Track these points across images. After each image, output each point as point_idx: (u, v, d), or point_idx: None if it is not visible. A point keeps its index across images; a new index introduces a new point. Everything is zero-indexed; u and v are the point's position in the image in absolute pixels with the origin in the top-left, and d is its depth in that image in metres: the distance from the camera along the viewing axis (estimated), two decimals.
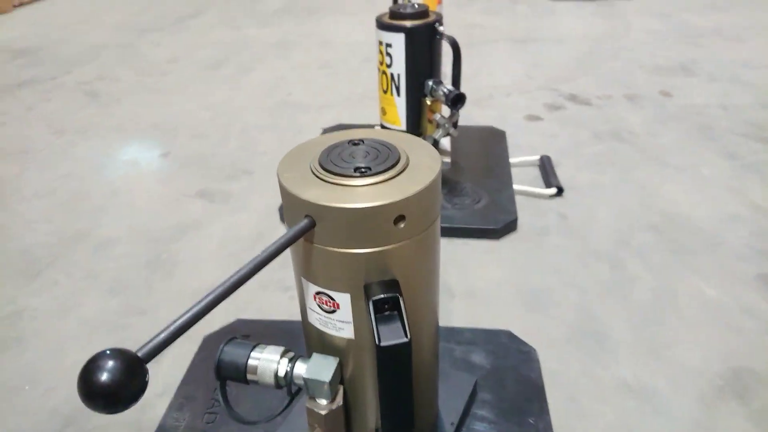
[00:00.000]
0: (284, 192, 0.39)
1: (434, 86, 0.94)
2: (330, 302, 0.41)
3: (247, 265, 0.34)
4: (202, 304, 0.31)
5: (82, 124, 1.37)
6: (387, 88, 1.00)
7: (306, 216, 0.37)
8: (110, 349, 0.27)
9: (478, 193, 0.96)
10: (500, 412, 0.58)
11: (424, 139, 0.99)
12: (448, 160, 1.04)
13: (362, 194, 0.37)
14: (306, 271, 0.41)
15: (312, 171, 0.40)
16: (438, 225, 0.43)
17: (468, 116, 1.29)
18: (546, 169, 1.04)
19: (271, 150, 1.20)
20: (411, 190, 0.37)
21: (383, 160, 0.40)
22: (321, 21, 2.15)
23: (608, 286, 0.78)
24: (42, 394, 0.65)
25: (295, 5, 2.38)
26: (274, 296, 0.79)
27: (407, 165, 0.40)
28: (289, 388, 0.43)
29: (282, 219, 0.94)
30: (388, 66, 0.97)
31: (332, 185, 0.38)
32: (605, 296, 0.76)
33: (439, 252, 0.45)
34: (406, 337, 0.36)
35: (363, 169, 0.38)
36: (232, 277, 0.32)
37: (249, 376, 0.43)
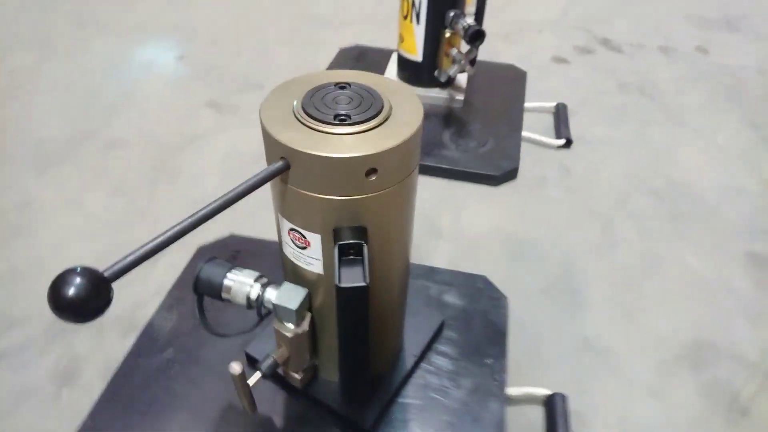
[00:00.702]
0: (263, 130, 0.40)
1: (455, 18, 0.91)
2: (302, 239, 0.43)
3: (218, 200, 0.35)
4: (168, 234, 0.33)
5: (105, 18, 1.36)
6: (407, 14, 0.97)
7: (281, 158, 0.38)
8: (79, 267, 0.30)
9: (485, 136, 0.95)
10: (461, 350, 0.61)
11: (439, 73, 0.97)
12: (461, 97, 1.02)
13: (336, 143, 0.38)
14: (281, 208, 0.43)
15: (293, 112, 0.40)
16: (414, 177, 0.44)
17: (493, 51, 1.24)
18: (559, 118, 1.02)
19: (284, 66, 1.18)
20: (385, 144, 0.38)
21: (365, 109, 0.40)
22: None
23: (595, 245, 0.79)
24: (47, 280, 0.71)
25: None
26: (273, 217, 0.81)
27: (388, 117, 0.41)
28: (258, 310, 0.46)
29: None
30: None
31: (309, 130, 0.39)
32: (589, 255, 0.77)
33: (413, 202, 0.47)
34: (365, 282, 0.39)
35: (342, 117, 0.39)
36: (199, 211, 0.34)
37: (223, 295, 0.47)
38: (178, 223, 0.33)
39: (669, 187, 0.89)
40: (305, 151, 0.37)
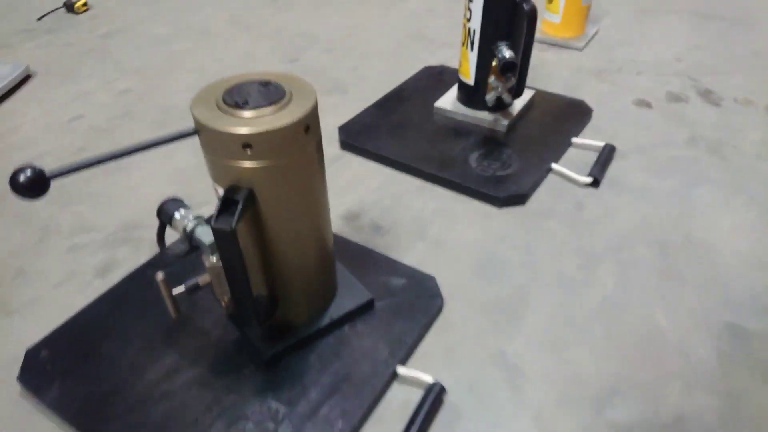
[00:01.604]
0: (191, 107, 0.55)
1: (496, 49, 0.97)
2: (216, 189, 0.58)
3: (147, 141, 0.52)
4: (102, 157, 0.50)
5: (255, 21, 1.66)
6: (464, 42, 1.06)
7: (195, 126, 0.54)
8: (30, 166, 0.48)
9: (512, 161, 1.00)
10: (376, 329, 0.70)
11: (487, 98, 1.05)
12: (505, 122, 1.07)
13: (225, 121, 0.52)
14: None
15: (217, 97, 0.55)
16: (303, 161, 0.56)
17: (574, 85, 1.27)
18: (601, 158, 1.02)
19: (371, 76, 1.34)
20: (258, 128, 0.51)
21: (263, 100, 0.53)
22: None
23: (563, 281, 0.80)
24: (125, 206, 0.96)
25: None
26: None
27: (280, 109, 0.53)
28: (190, 240, 0.62)
29: (341, 145, 1.10)
30: (468, 20, 1.02)
31: (217, 110, 0.53)
32: (552, 287, 0.79)
33: (307, 181, 0.58)
34: (230, 227, 0.52)
35: (241, 104, 0.53)
36: (137, 144, 0.51)
37: (172, 223, 0.63)
38: (118, 149, 0.50)
39: (681, 244, 0.86)
40: (203, 122, 0.52)
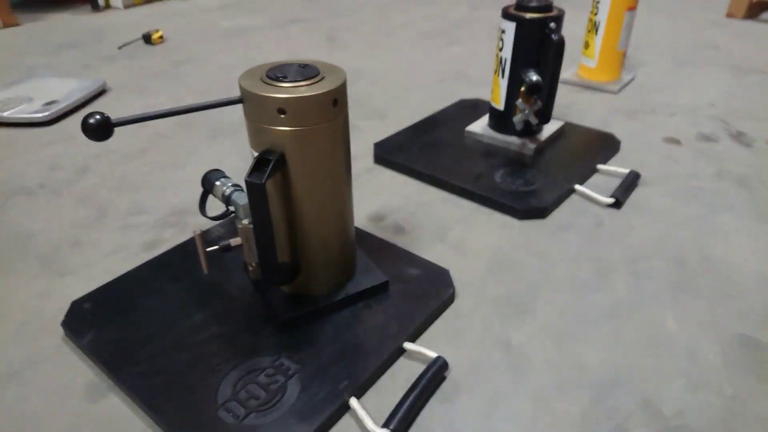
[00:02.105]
0: (240, 77, 0.63)
1: (524, 74, 1.04)
2: (253, 155, 0.65)
3: (199, 104, 0.60)
4: (160, 113, 0.58)
5: (310, 56, 1.80)
6: (496, 70, 1.13)
7: (240, 95, 0.62)
8: (99, 112, 0.57)
9: (536, 180, 1.05)
10: (389, 309, 0.75)
11: (515, 123, 1.11)
12: (532, 146, 1.13)
13: (265, 89, 0.60)
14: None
15: (261, 74, 0.63)
16: (329, 130, 0.63)
17: (604, 122, 1.31)
18: (625, 183, 1.05)
19: (412, 107, 1.43)
20: (291, 94, 0.59)
21: (299, 76, 0.61)
22: None
23: (576, 284, 0.82)
24: (177, 194, 1.05)
25: None
26: None
27: (313, 84, 0.61)
28: (227, 203, 0.69)
29: (375, 160, 1.18)
30: (500, 50, 1.10)
31: (260, 82, 0.61)
32: (564, 289, 0.82)
33: (332, 154, 0.64)
34: (261, 181, 0.59)
35: (280, 77, 0.61)
36: (190, 105, 0.59)
37: (213, 191, 0.71)
38: (177, 107, 0.59)
39: (700, 261, 0.87)
40: (245, 88, 0.60)
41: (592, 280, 0.83)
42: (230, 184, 0.70)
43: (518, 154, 1.14)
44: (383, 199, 1.04)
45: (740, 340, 0.73)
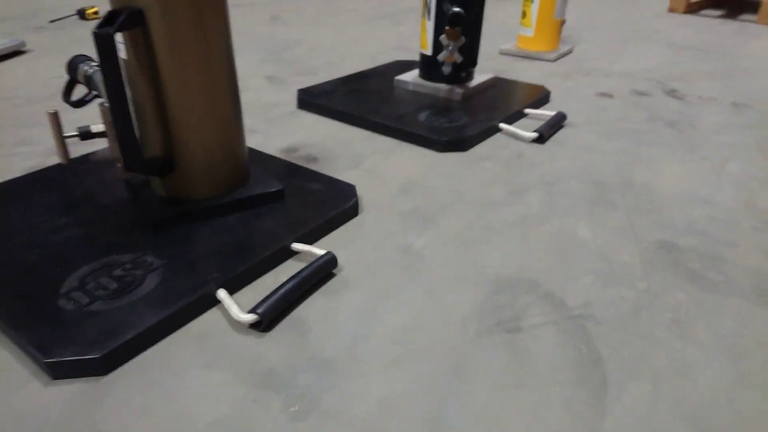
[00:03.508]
0: None
1: (445, 6, 1.01)
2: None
3: None
4: None
5: (251, 32, 1.76)
6: (423, 12, 1.10)
7: None
8: None
9: (460, 119, 1.00)
10: (276, 214, 0.68)
11: (443, 67, 1.06)
12: (459, 91, 1.09)
13: None
14: None
15: None
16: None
17: (541, 81, 1.29)
18: (551, 121, 1.01)
19: (347, 69, 1.38)
20: None
21: None
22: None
23: (487, 203, 0.77)
24: None
25: None
26: None
27: None
28: (89, 85, 0.62)
29: (298, 104, 1.12)
30: None
31: None
32: (473, 206, 0.76)
33: (200, 21, 0.58)
34: (111, 32, 0.52)
35: None
36: None
37: (77, 74, 0.64)
38: None
39: (620, 183, 0.82)
40: None
41: (505, 198, 0.78)
42: (94, 65, 0.63)
43: (446, 100, 1.10)
44: (300, 136, 0.98)
45: (658, 245, 0.68)
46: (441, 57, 1.04)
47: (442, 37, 1.02)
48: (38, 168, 0.83)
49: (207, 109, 0.63)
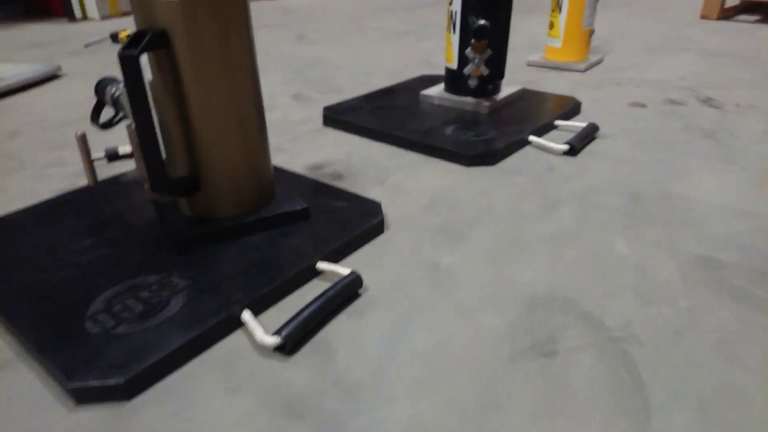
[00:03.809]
0: None
1: (470, 19, 1.00)
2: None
3: None
4: None
5: (278, 52, 1.78)
6: (448, 26, 1.09)
7: None
8: None
9: (488, 132, 0.98)
10: (302, 233, 0.67)
11: (469, 80, 1.05)
12: (487, 104, 1.07)
13: None
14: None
15: None
16: (222, 14, 0.57)
17: (571, 92, 1.26)
18: (582, 133, 0.98)
19: (372, 85, 1.38)
20: None
21: None
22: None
23: (520, 216, 0.75)
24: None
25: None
26: None
27: None
28: (115, 106, 0.63)
29: (324, 122, 1.12)
30: (450, 3, 1.06)
31: None
32: (503, 221, 0.74)
33: (225, 39, 0.58)
34: (134, 53, 0.52)
35: None
36: None
37: (105, 96, 0.65)
38: None
39: (657, 195, 0.79)
40: None
41: (536, 212, 0.76)
42: (121, 87, 0.64)
43: (473, 114, 1.08)
44: (325, 153, 0.97)
45: (699, 260, 0.64)
46: (467, 70, 1.02)
47: (468, 51, 1.01)
48: (68, 189, 0.85)
49: (232, 129, 0.63)
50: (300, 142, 1.02)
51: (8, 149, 1.02)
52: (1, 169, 0.93)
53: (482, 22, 0.96)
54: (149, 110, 0.55)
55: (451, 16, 1.06)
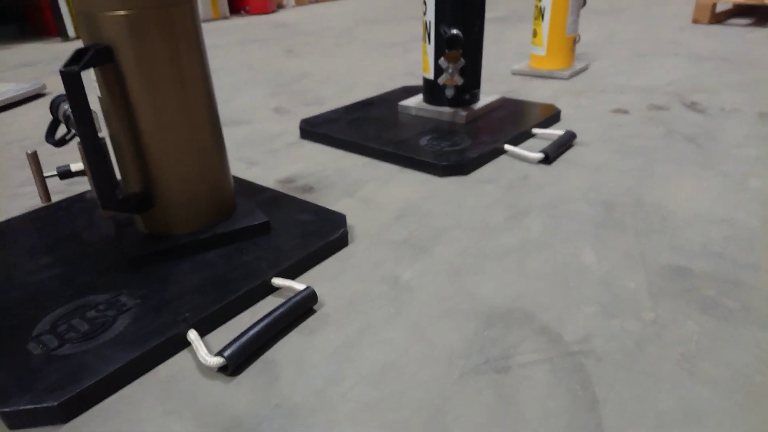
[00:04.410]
0: None
1: (442, 29, 0.99)
2: None
3: None
4: None
5: (266, 65, 1.78)
6: (424, 37, 1.08)
7: None
8: None
9: (462, 142, 0.97)
10: (260, 248, 0.65)
11: (446, 90, 1.04)
12: (463, 113, 1.05)
13: None
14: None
15: None
16: (168, 29, 0.56)
17: (552, 100, 1.25)
18: (558, 141, 0.96)
19: (355, 97, 1.37)
20: None
21: None
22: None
23: (484, 228, 0.73)
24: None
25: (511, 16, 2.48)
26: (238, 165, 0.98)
27: None
28: (67, 124, 0.62)
29: (300, 134, 1.11)
30: (424, 14, 1.05)
31: None
32: (470, 232, 0.72)
33: (174, 55, 0.57)
34: (76, 70, 0.51)
35: None
36: None
37: (57, 113, 0.64)
38: None
39: (632, 205, 0.77)
40: None
41: (504, 223, 0.74)
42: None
43: (450, 124, 1.06)
44: (299, 166, 0.96)
45: (668, 270, 0.62)
46: (441, 80, 1.01)
47: (441, 60, 0.99)
48: (35, 206, 0.84)
49: (184, 143, 0.62)
50: (275, 156, 1.01)
51: None
52: None
53: (454, 31, 0.95)
54: (93, 127, 0.54)
55: (426, 26, 1.05)
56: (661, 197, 0.78)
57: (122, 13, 0.54)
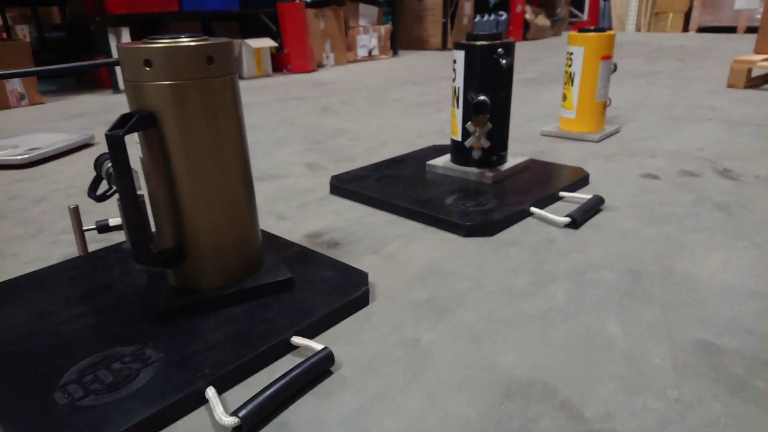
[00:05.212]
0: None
1: (470, 95, 1.02)
2: None
3: (81, 64, 0.59)
4: (41, 70, 0.57)
5: (302, 122, 1.85)
6: (452, 102, 1.12)
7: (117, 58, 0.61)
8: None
9: (488, 202, 0.98)
10: (282, 304, 0.66)
11: (465, 143, 1.07)
12: (490, 174, 1.07)
13: (137, 45, 0.58)
14: None
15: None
16: (209, 98, 0.60)
17: (582, 163, 1.25)
18: (585, 205, 0.96)
19: (385, 154, 1.41)
20: (156, 46, 0.57)
21: (178, 35, 0.60)
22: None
23: (507, 293, 0.73)
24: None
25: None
26: (270, 219, 1.00)
27: (190, 42, 0.59)
28: (109, 181, 0.66)
29: (330, 190, 1.14)
30: (453, 80, 1.09)
31: (138, 43, 0.60)
32: (492, 296, 0.72)
33: (212, 122, 0.61)
34: (120, 134, 0.55)
35: (158, 38, 0.60)
36: (71, 65, 0.58)
37: (102, 170, 0.68)
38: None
39: (659, 272, 0.76)
40: (119, 47, 0.59)
41: (528, 288, 0.73)
42: None
43: (477, 184, 1.08)
44: (326, 221, 0.98)
45: (696, 346, 0.60)
46: (468, 143, 1.03)
47: (469, 125, 1.02)
48: (74, 253, 0.88)
49: (218, 203, 0.64)
50: (305, 210, 1.04)
51: (31, 215, 1.08)
52: (19, 235, 0.98)
53: (482, 97, 0.98)
54: (133, 186, 0.58)
55: (455, 91, 1.09)
56: (690, 267, 0.77)
57: (167, 83, 0.58)
